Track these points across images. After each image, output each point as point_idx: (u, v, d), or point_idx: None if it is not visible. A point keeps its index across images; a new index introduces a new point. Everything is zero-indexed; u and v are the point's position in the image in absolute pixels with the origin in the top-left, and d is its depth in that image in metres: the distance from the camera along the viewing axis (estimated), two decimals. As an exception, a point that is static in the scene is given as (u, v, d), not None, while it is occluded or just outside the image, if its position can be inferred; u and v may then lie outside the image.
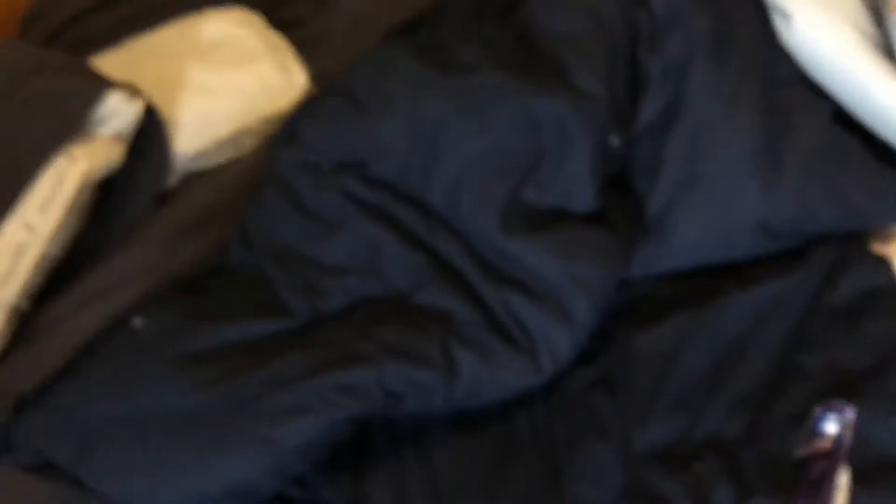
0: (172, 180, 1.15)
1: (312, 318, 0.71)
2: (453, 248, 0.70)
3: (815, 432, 0.56)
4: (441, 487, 0.65)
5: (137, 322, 0.72)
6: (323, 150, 0.78)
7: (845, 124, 0.70)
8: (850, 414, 0.56)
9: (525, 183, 0.70)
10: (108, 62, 1.19)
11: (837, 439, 0.55)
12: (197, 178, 1.16)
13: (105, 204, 1.07)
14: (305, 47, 1.24)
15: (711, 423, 0.61)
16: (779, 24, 0.71)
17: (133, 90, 1.05)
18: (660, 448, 0.61)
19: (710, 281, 0.70)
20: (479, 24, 0.78)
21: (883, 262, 0.67)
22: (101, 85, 1.02)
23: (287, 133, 0.83)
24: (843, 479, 0.53)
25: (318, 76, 1.18)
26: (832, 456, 0.53)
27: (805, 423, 0.57)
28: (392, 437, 0.69)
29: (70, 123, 1.00)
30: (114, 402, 0.68)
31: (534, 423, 0.67)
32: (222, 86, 1.15)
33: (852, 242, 0.69)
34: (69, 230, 1.01)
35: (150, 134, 1.10)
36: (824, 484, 0.52)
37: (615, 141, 0.70)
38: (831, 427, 0.56)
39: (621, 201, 0.71)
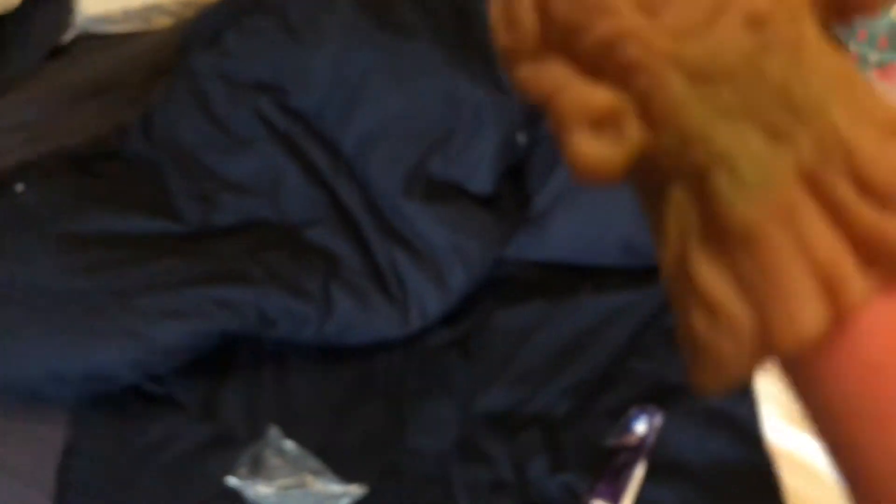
0: (68, 36, 1.08)
1: (203, 228, 0.70)
2: (354, 195, 0.71)
3: (627, 428, 0.64)
4: (292, 410, 0.67)
5: (19, 188, 0.69)
6: (244, 65, 0.76)
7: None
8: (659, 419, 0.64)
9: (433, 153, 0.72)
10: None
11: (643, 438, 0.64)
12: (95, 40, 1.10)
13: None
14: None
15: (544, 402, 0.67)
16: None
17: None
18: (495, 413, 0.67)
19: (573, 277, 0.75)
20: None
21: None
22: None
23: (210, 35, 0.80)
24: (639, 472, 0.62)
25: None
26: (636, 451, 0.62)
27: (621, 419, 0.65)
28: (255, 354, 0.70)
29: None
30: (-20, 264, 0.65)
31: (390, 368, 0.70)
32: (145, -46, 1.08)
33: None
34: (-57, 62, 0.93)
35: (53, -18, 1.02)
36: (624, 473, 0.61)
37: (522, 138, 0.74)
38: (641, 427, 0.64)
39: (513, 191, 0.75)
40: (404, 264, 0.70)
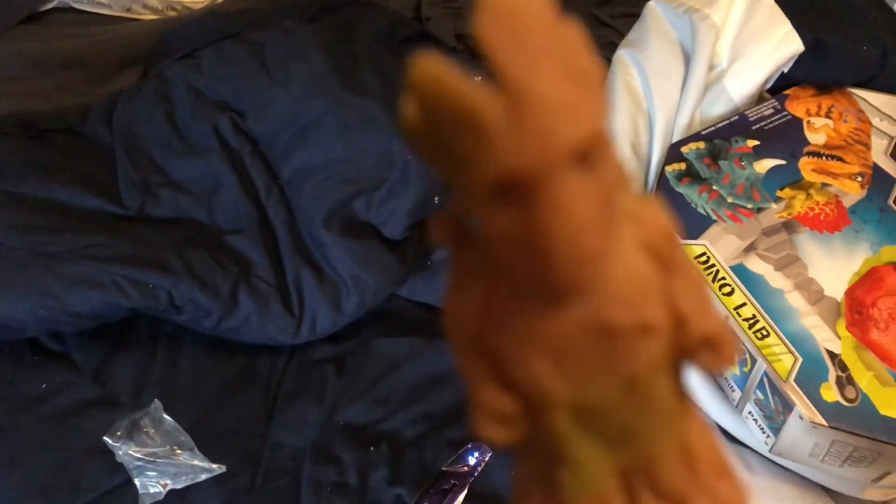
0: (47, 5, 1.12)
1: (138, 214, 0.75)
2: (280, 216, 0.77)
3: (461, 459, 0.73)
4: (175, 388, 0.72)
5: None
6: (214, 84, 0.82)
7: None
8: (487, 455, 0.73)
9: (359, 196, 0.78)
10: None
11: (472, 468, 0.73)
12: (72, 14, 1.14)
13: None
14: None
15: (396, 424, 0.73)
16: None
17: None
18: (353, 426, 0.72)
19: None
20: (385, 52, 0.88)
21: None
22: None
23: (189, 48, 0.86)
24: (460, 497, 0.70)
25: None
26: (462, 479, 0.71)
27: (459, 451, 0.74)
28: (153, 332, 0.76)
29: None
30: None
31: (272, 368, 0.76)
32: (142, -48, 1.14)
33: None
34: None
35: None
36: (449, 496, 0.69)
37: (437, 200, 0.82)
38: (472, 459, 0.73)
39: (418, 241, 0.83)
40: (308, 284, 0.76)
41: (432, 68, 0.16)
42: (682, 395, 0.23)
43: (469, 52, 1.16)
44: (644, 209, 0.21)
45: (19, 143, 0.76)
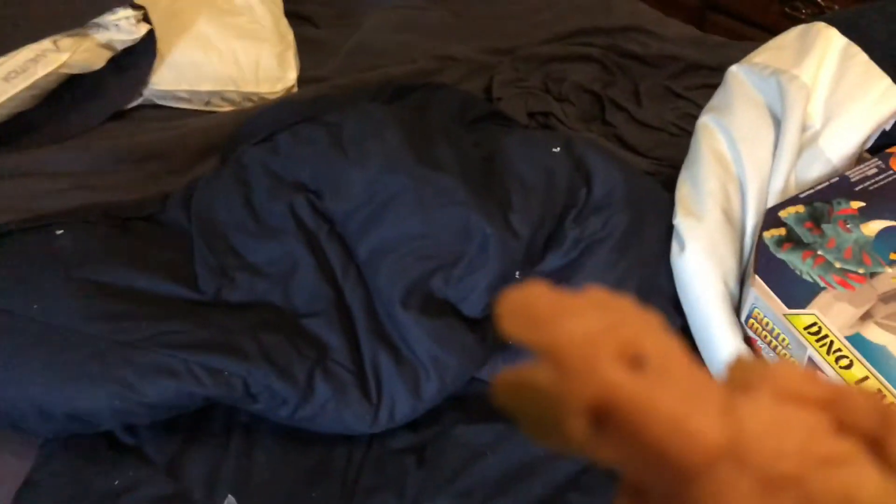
0: (133, 103, 1.17)
1: (214, 299, 0.74)
2: (357, 296, 0.75)
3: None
4: (250, 482, 0.68)
5: (59, 232, 0.74)
6: (290, 166, 0.82)
7: (689, 340, 0.79)
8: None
9: (437, 273, 0.75)
10: (130, -28, 1.20)
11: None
12: (155, 110, 1.19)
13: (63, 95, 1.08)
14: (308, 49, 1.30)
15: None
16: (675, 246, 0.80)
17: (145, 15, 1.07)
18: None
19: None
20: (459, 129, 0.87)
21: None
22: (121, 1, 1.03)
23: (265, 133, 0.87)
24: None
25: (305, 80, 1.24)
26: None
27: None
28: (227, 423, 0.72)
29: (74, 21, 1.00)
30: (8, 293, 0.69)
31: (350, 460, 0.71)
32: (223, 48, 1.18)
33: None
34: (19, 103, 1.02)
35: (136, 55, 1.11)
36: None
37: (518, 275, 0.78)
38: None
39: None
40: (386, 367, 0.72)
41: (507, 380, 0.19)
42: None
43: (541, 127, 1.14)
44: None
45: (102, 232, 0.76)
